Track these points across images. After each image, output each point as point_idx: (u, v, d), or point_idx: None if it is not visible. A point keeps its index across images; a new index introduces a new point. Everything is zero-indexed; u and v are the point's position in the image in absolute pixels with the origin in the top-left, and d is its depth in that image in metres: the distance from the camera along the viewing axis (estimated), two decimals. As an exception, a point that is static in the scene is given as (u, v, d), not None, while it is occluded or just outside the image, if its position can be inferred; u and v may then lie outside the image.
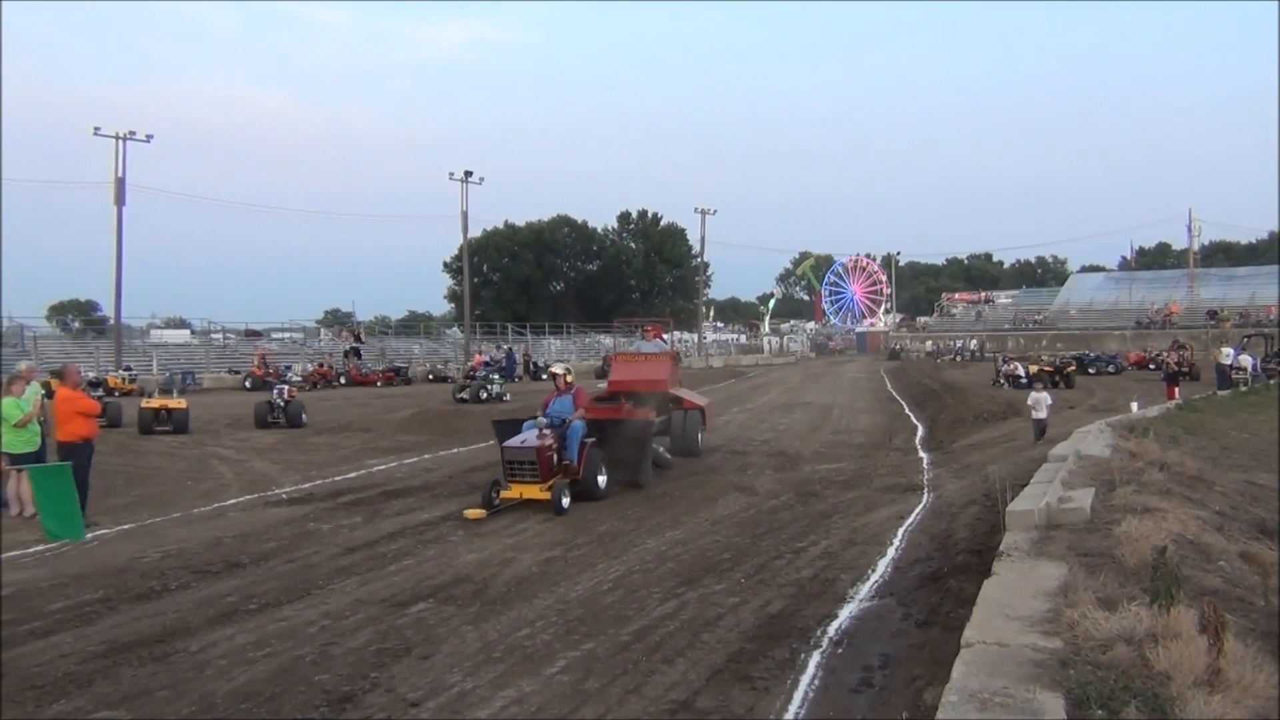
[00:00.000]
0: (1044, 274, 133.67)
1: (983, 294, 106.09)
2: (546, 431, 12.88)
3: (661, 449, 16.30)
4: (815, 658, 6.70)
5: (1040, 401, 18.68)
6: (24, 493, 12.43)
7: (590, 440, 13.28)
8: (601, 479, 13.36)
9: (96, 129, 46.69)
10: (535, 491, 12.42)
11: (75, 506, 7.95)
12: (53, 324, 71.56)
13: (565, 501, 12.26)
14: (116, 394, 33.59)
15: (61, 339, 60.21)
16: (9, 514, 12.16)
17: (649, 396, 17.33)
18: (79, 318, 79.27)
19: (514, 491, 12.51)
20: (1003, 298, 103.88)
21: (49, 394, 14.51)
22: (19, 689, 6.15)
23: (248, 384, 41.35)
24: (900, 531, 10.98)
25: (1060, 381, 35.52)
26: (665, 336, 21.21)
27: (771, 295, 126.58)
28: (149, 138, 47.98)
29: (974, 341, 72.83)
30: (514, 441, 12.84)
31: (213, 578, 9.16)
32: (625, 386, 18.17)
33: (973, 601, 6.21)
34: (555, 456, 12.87)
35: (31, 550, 10.52)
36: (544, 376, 50.62)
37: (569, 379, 13.99)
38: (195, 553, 10.24)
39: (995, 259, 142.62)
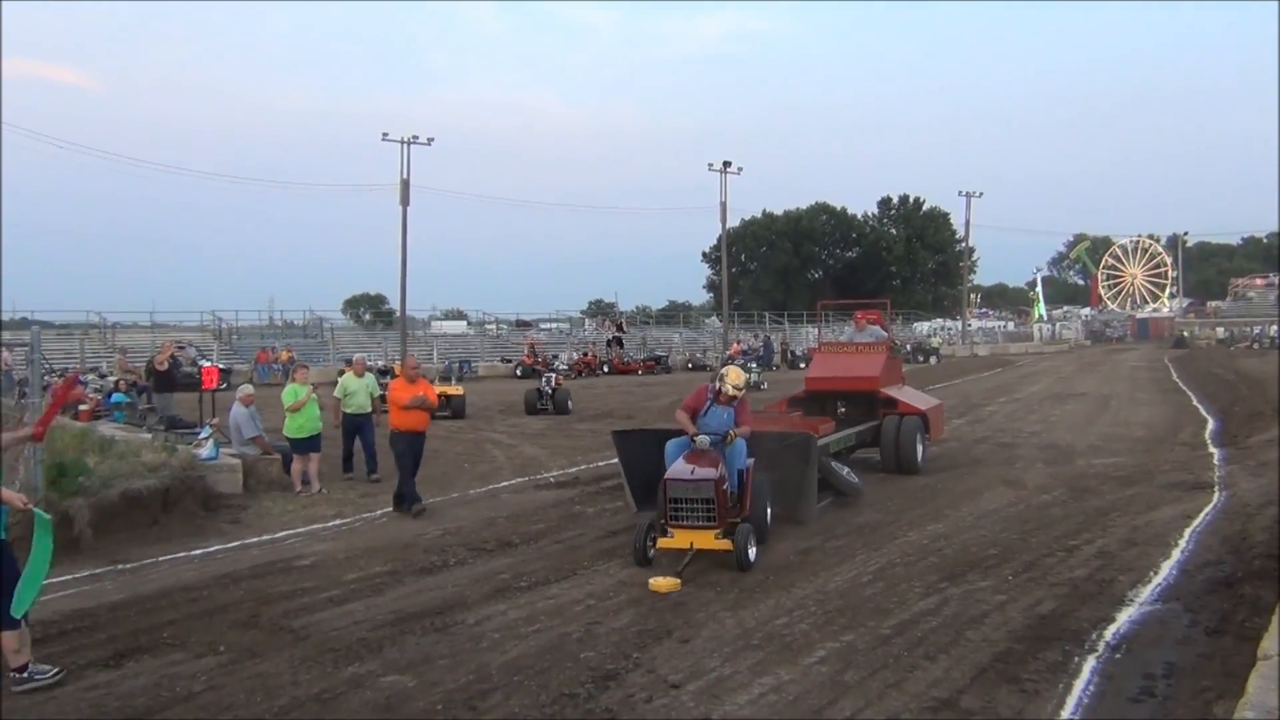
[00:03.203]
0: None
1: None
2: (713, 453, 9.40)
3: (846, 470, 12.65)
4: (1090, 662, 6.35)
5: None
6: (310, 471, 13.53)
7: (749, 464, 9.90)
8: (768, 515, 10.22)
9: (385, 135, 50.37)
10: (709, 540, 8.97)
11: (39, 576, 6.26)
12: (347, 317, 77.94)
13: (753, 552, 9.03)
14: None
15: (354, 330, 65.58)
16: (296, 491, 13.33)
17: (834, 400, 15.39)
18: (369, 310, 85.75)
19: (680, 539, 9.08)
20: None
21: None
22: (319, 651, 6.75)
23: (518, 372, 43.45)
24: (1187, 532, 10.21)
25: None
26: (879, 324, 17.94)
27: (1039, 276, 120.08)
28: (430, 141, 51.22)
29: (1274, 328, 66.96)
30: (681, 473, 9.23)
31: (487, 555, 9.73)
32: (826, 385, 15.85)
33: (1271, 610, 5.76)
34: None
35: (330, 524, 11.58)
36: (803, 366, 50.56)
37: (740, 393, 10.09)
38: (472, 531, 10.94)
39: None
